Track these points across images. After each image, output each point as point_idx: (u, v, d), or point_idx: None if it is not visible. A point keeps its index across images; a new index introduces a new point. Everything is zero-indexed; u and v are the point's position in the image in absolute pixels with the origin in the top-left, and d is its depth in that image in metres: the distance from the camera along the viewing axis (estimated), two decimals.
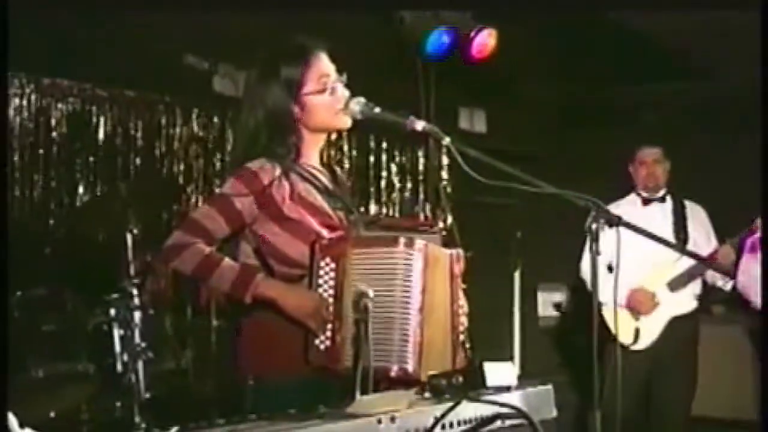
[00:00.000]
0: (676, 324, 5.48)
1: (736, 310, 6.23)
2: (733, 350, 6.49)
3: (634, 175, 5.74)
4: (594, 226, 2.77)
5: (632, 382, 4.96)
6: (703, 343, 5.77)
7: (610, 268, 5.64)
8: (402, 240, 2.81)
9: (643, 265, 5.23)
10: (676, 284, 5.47)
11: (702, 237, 5.57)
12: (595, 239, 2.78)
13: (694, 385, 5.60)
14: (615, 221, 2.81)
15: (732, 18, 5.63)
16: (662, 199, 5.70)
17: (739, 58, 5.74)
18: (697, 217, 5.68)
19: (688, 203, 5.70)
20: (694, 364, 5.60)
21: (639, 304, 5.42)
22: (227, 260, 2.91)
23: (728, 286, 5.51)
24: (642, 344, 5.42)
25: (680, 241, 5.45)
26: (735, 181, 5.54)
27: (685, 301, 5.55)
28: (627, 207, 5.49)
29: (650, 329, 5.45)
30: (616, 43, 6.94)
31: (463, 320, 3.01)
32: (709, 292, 5.76)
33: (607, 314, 5.57)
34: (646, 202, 5.69)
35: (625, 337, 5.32)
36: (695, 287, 5.60)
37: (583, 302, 5.95)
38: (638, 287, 5.39)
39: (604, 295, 5.55)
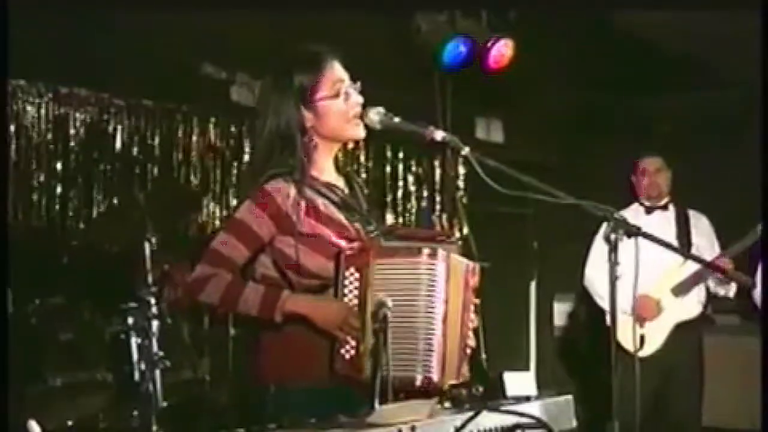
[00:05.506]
0: (681, 330, 5.46)
1: (751, 321, 6.21)
2: (748, 361, 6.46)
3: (636, 185, 5.78)
4: (613, 236, 2.77)
5: (641, 390, 4.93)
6: (717, 354, 5.74)
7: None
8: (425, 251, 2.80)
9: (647, 272, 5.22)
10: (680, 290, 5.46)
11: (705, 245, 5.56)
12: (614, 249, 2.78)
13: (701, 391, 5.59)
14: (634, 231, 2.81)
15: (751, 30, 5.62)
16: (665, 207, 5.71)
17: (755, 70, 5.73)
18: (701, 226, 5.68)
19: (691, 212, 5.71)
20: (701, 370, 5.60)
21: (643, 310, 5.41)
22: (250, 284, 2.90)
23: (730, 293, 5.52)
24: (648, 351, 5.40)
25: (684, 249, 5.44)
26: (749, 191, 5.50)
27: (690, 306, 5.54)
28: (629, 216, 5.45)
29: (655, 336, 5.44)
30: (632, 54, 6.94)
31: (470, 334, 3.01)
32: (711, 301, 5.75)
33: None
34: (648, 210, 5.71)
35: (630, 344, 5.30)
36: (700, 293, 5.59)
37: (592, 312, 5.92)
38: (642, 293, 5.36)
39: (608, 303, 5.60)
